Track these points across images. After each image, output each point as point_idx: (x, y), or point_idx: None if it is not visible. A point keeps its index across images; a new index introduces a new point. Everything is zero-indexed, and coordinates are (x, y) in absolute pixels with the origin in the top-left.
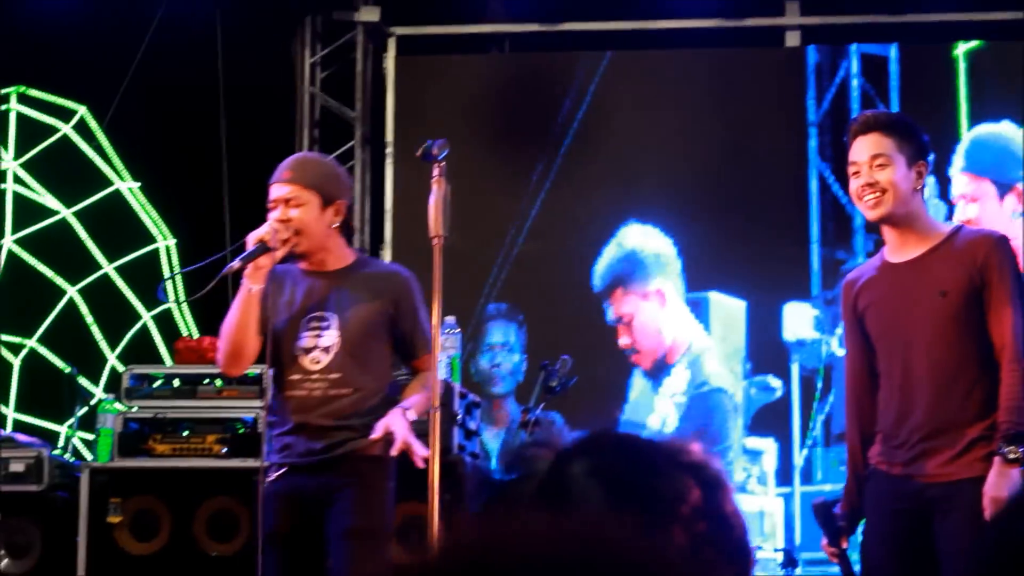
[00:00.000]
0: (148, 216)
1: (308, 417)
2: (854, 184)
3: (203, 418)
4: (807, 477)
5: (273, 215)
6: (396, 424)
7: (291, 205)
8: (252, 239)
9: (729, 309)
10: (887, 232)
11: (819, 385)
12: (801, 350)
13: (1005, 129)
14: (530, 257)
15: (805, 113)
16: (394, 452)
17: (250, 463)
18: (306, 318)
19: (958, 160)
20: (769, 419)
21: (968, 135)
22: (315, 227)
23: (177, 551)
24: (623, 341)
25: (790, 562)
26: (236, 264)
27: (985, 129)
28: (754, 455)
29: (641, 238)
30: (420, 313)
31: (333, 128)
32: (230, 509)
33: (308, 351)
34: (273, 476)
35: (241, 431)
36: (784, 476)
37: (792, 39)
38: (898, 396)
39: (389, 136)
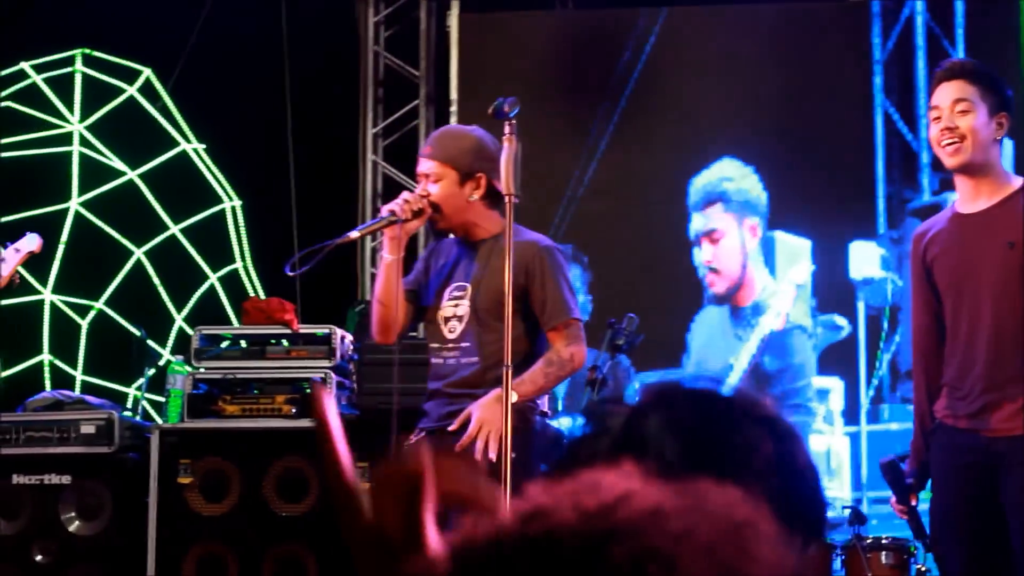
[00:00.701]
0: (214, 177)
1: (441, 385)
2: (934, 129)
3: (272, 378)
4: (874, 417)
5: (417, 188)
6: (479, 410)
7: (430, 180)
8: (384, 210)
9: (795, 248)
10: (961, 181)
11: (885, 324)
12: (867, 289)
13: None
14: (590, 214)
15: (870, 51)
16: (463, 441)
17: None
18: (449, 288)
19: None
20: (835, 358)
21: None
22: (453, 202)
23: (247, 511)
24: (704, 256)
25: (858, 518)
26: (354, 234)
27: None
28: (821, 394)
29: (742, 172)
30: (552, 283)
31: (397, 87)
32: (300, 469)
33: (447, 320)
34: (412, 440)
35: (310, 391)
36: (851, 415)
37: None
38: (962, 348)
39: (453, 94)
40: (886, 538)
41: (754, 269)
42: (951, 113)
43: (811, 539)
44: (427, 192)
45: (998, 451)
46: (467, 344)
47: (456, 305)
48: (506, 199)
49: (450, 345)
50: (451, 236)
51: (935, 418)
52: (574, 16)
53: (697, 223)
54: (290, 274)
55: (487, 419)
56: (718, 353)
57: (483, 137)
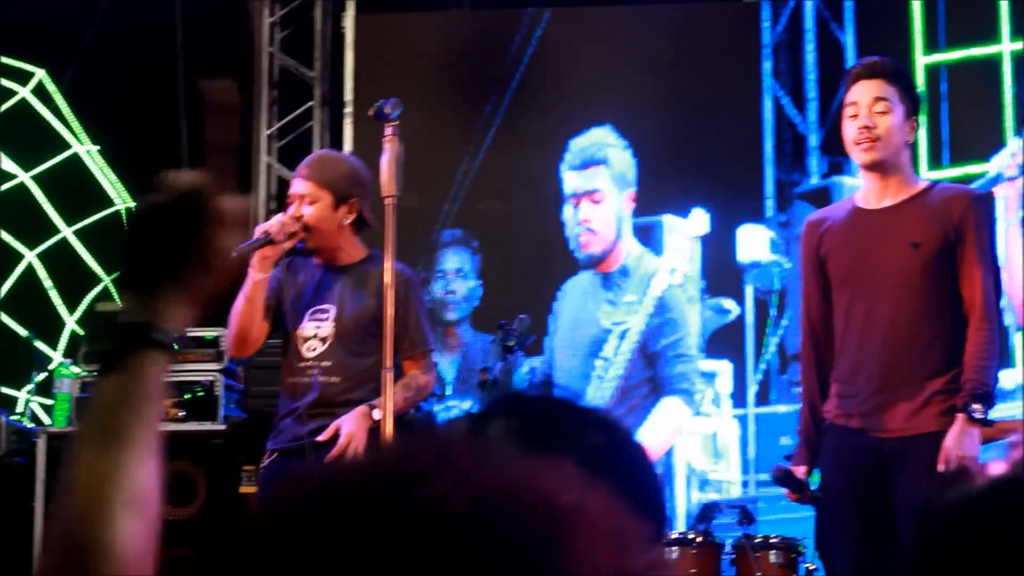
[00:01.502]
0: (107, 179)
1: (300, 404)
2: (851, 126)
3: None
4: (761, 399)
5: (289, 209)
6: (348, 423)
7: (305, 202)
8: (259, 230)
9: (682, 231)
10: (869, 178)
11: (773, 308)
12: (755, 272)
13: None
14: (477, 208)
15: (759, 35)
16: (333, 453)
17: (207, 426)
18: (311, 309)
19: None
20: (724, 341)
21: None
22: (326, 224)
23: None
24: (583, 215)
25: (746, 517)
26: (234, 252)
27: None
28: (709, 377)
29: (620, 143)
30: (414, 313)
31: (292, 88)
32: (186, 473)
33: (306, 340)
34: (265, 462)
35: (200, 393)
36: (739, 398)
37: None
38: (855, 345)
39: (348, 96)
40: (775, 537)
41: (626, 237)
42: (869, 112)
43: (652, 541)
44: (301, 214)
45: (891, 451)
46: (328, 364)
47: (318, 326)
48: (387, 200)
49: (310, 364)
50: (312, 258)
51: (823, 417)
52: (468, 17)
53: (576, 181)
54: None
55: (355, 432)
56: (589, 319)
57: (357, 164)
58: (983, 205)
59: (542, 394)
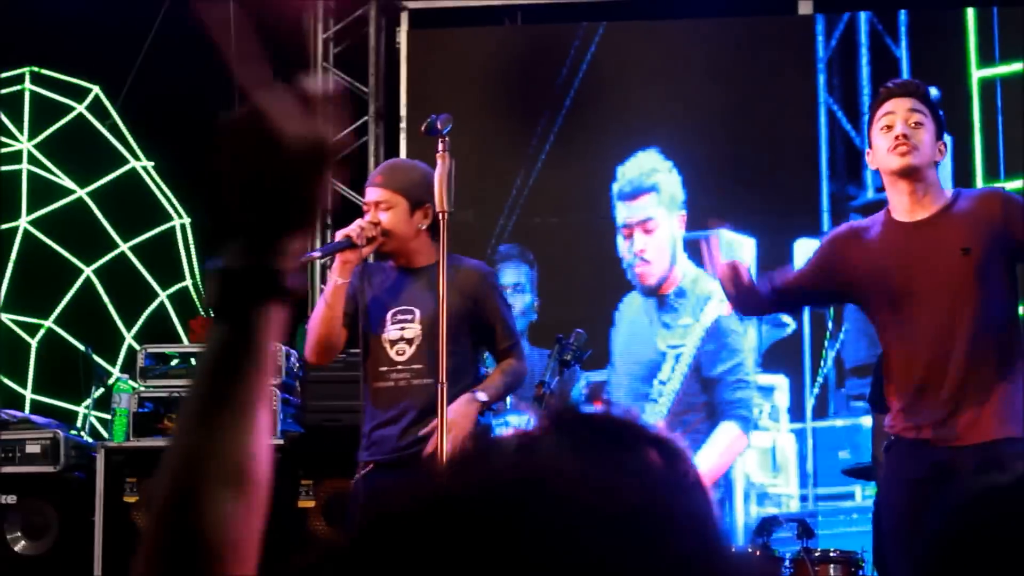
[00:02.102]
0: (163, 195)
1: (393, 409)
2: (886, 136)
3: None
4: (819, 413)
5: (366, 216)
6: (451, 413)
7: (381, 208)
8: (340, 235)
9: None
10: (901, 188)
11: (830, 321)
12: None
13: None
14: (532, 222)
15: (813, 49)
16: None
17: None
18: (392, 311)
19: None
20: (781, 355)
21: None
22: (403, 229)
23: None
24: (637, 246)
25: (805, 532)
26: (315, 255)
27: None
28: (766, 391)
29: (666, 165)
30: (501, 309)
31: (347, 103)
32: None
33: (394, 343)
34: (360, 473)
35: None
36: (796, 412)
37: (804, 8)
38: (922, 358)
39: (402, 111)
40: (834, 551)
41: (680, 260)
42: (905, 123)
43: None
44: (378, 219)
45: (963, 460)
46: (420, 366)
47: (403, 328)
48: (440, 215)
49: (400, 367)
50: (388, 262)
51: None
52: (522, 31)
53: (627, 212)
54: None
55: (456, 421)
56: (645, 342)
57: (428, 171)
58: (1013, 195)
59: (591, 411)
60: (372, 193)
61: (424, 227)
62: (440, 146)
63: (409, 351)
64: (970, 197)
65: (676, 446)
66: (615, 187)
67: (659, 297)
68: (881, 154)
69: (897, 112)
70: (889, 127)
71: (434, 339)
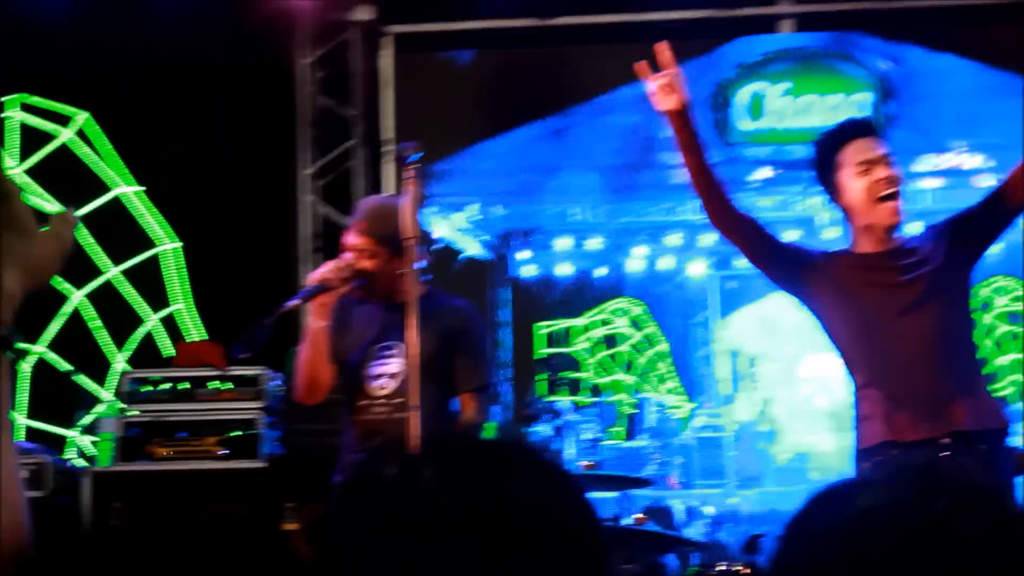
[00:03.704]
0: (152, 219)
1: (374, 440)
2: (872, 178)
3: (202, 420)
4: None
5: (346, 256)
6: None
7: (364, 256)
8: (313, 279)
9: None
10: (871, 232)
11: None
12: None
13: None
14: None
15: None
16: None
17: (248, 464)
18: (376, 347)
19: None
20: None
21: None
22: (385, 274)
23: None
24: None
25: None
26: (295, 302)
27: None
28: None
29: None
30: (474, 350)
31: (332, 127)
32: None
33: (376, 378)
34: (335, 495)
35: (239, 432)
36: None
37: (786, 28)
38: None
39: (388, 134)
40: None
41: None
42: (885, 168)
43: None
44: (360, 266)
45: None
46: (401, 400)
47: (386, 364)
48: (408, 242)
49: (382, 400)
50: (363, 298)
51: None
52: (506, 55)
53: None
54: (240, 355)
55: None
56: None
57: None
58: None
59: (477, 437)
60: (355, 238)
61: (406, 270)
62: (409, 173)
63: (392, 385)
64: (923, 232)
65: (561, 469)
66: None
67: None
68: (865, 201)
69: (875, 154)
70: (865, 172)
71: (417, 374)
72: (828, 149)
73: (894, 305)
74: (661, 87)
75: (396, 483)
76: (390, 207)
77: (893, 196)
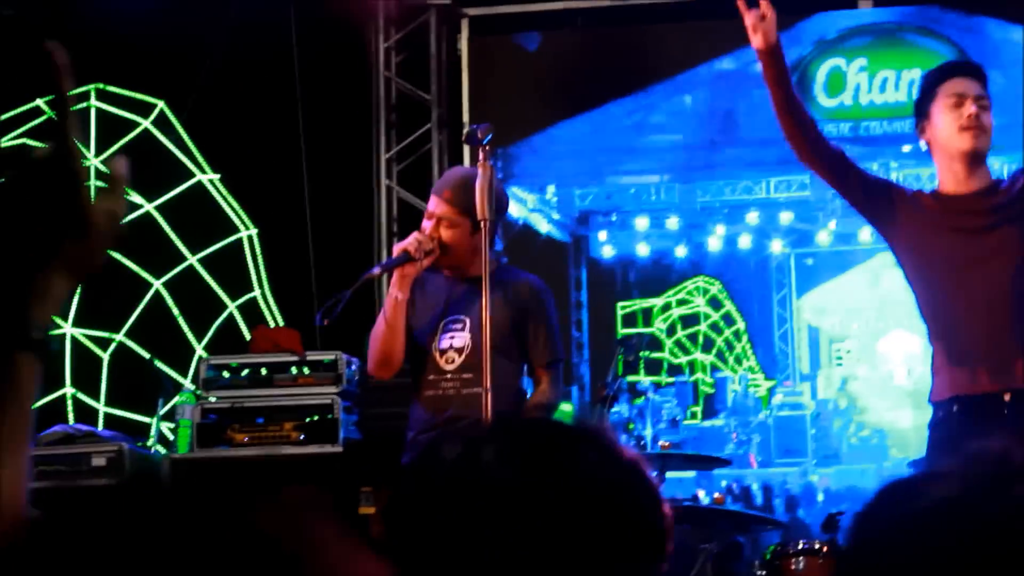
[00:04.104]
0: (229, 206)
1: (440, 416)
2: (954, 115)
3: (280, 406)
4: None
5: (425, 225)
6: None
7: (444, 225)
8: (397, 248)
9: None
10: (959, 167)
11: None
12: None
13: None
14: None
15: None
16: None
17: (327, 449)
18: (444, 321)
19: None
20: None
21: None
22: (464, 246)
23: None
24: None
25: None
26: (376, 271)
27: None
28: None
29: None
30: (546, 325)
31: (409, 111)
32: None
33: (444, 352)
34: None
35: (317, 418)
36: None
37: (865, 3)
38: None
39: (465, 117)
40: None
41: None
42: (974, 105)
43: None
44: (439, 235)
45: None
46: (469, 375)
47: (453, 337)
48: (482, 223)
49: (449, 376)
50: (438, 271)
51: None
52: (583, 36)
53: None
54: (322, 324)
55: None
56: None
57: (498, 190)
58: None
59: (538, 417)
60: (438, 207)
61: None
62: (480, 155)
63: (458, 360)
64: (1012, 174)
65: (624, 451)
66: None
67: None
68: (950, 131)
69: (967, 92)
70: (958, 106)
71: (489, 350)
72: (931, 82)
73: (967, 253)
74: (753, 24)
75: (458, 464)
76: (473, 179)
77: (976, 127)
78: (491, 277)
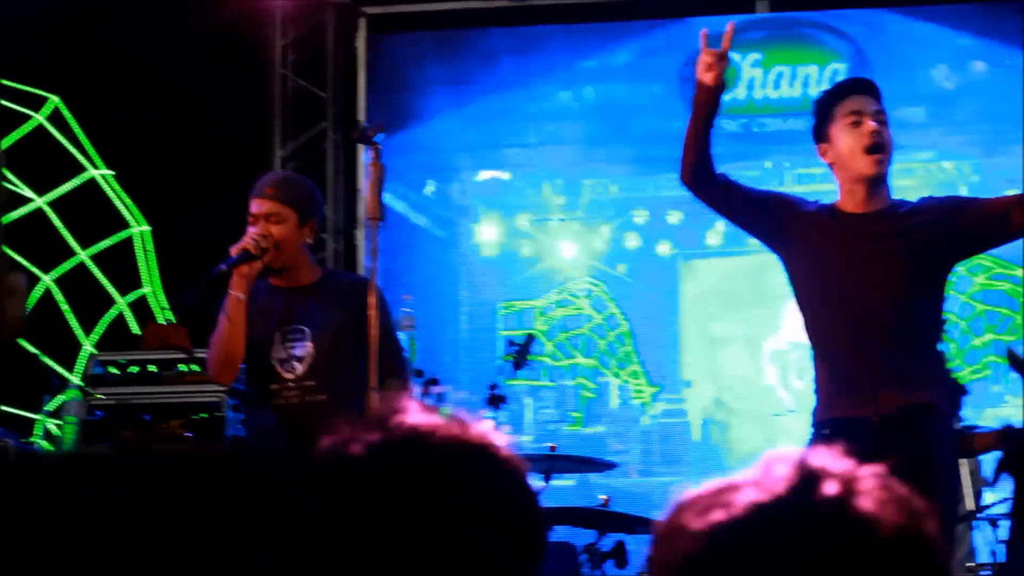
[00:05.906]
0: (122, 203)
1: (286, 424)
2: (855, 133)
3: (167, 403)
4: None
5: (252, 229)
6: None
7: (271, 221)
8: (236, 248)
9: None
10: (858, 189)
11: None
12: None
13: None
14: None
15: None
16: None
17: (214, 446)
18: (282, 331)
19: None
20: None
21: None
22: (291, 243)
23: None
24: None
25: None
26: (223, 268)
27: None
28: None
29: None
30: (388, 321)
31: (305, 109)
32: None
33: (283, 361)
34: None
35: (204, 416)
36: None
37: (762, 7)
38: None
39: (361, 116)
40: None
41: None
42: (873, 121)
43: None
44: (269, 231)
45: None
46: (312, 383)
47: (292, 346)
48: (370, 223)
49: (291, 385)
50: (265, 280)
51: None
52: (482, 36)
53: None
54: (177, 317)
55: None
56: None
57: (314, 186)
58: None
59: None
60: (262, 205)
61: (310, 241)
62: (371, 154)
63: (300, 368)
64: (908, 202)
65: (486, 444)
66: None
67: None
68: (854, 152)
69: (865, 110)
70: (857, 124)
71: (326, 356)
72: (826, 104)
73: (857, 275)
74: (710, 63)
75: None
76: (295, 176)
77: (878, 149)
78: (318, 285)
